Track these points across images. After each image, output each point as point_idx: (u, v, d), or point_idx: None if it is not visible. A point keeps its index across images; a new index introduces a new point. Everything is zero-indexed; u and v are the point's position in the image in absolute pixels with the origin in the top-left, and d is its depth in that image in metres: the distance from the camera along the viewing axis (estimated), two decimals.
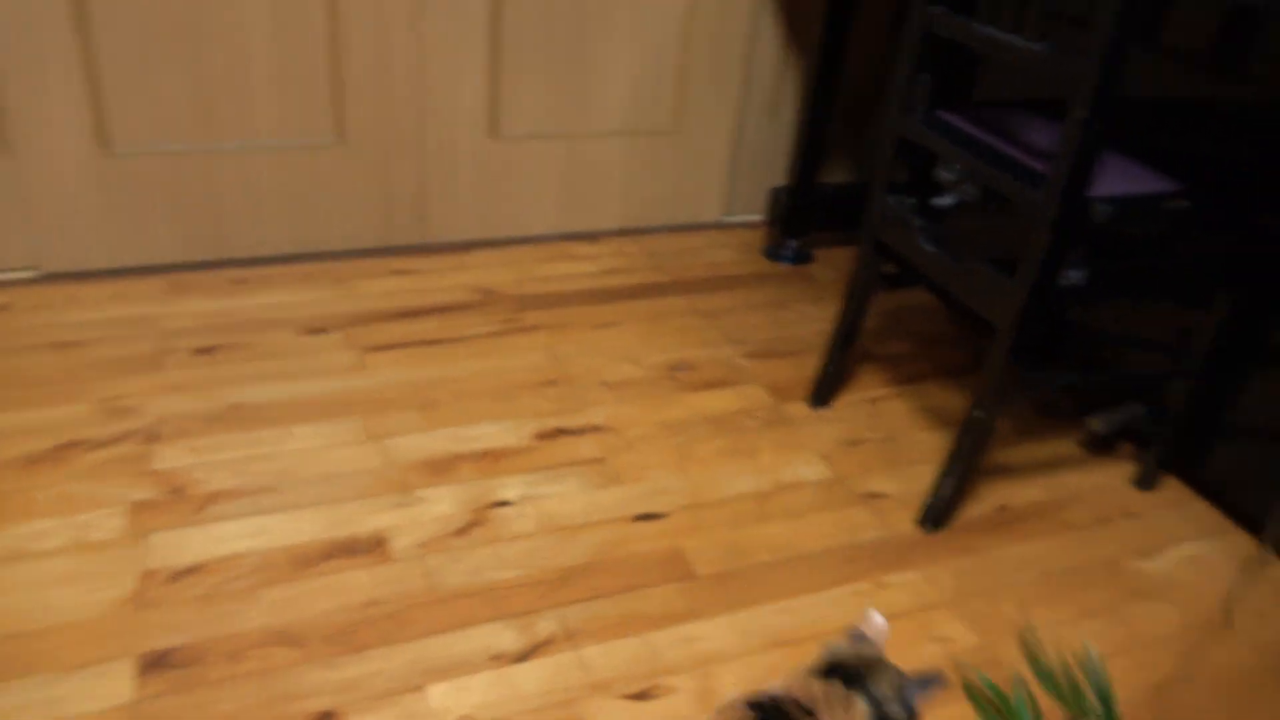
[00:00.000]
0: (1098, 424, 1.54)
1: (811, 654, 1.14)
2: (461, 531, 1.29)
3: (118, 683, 1.04)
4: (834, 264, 2.16)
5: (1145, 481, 1.50)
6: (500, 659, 1.11)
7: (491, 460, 1.43)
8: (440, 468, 1.41)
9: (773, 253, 2.17)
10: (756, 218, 2.31)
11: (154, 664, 1.06)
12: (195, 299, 1.79)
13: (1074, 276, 1.20)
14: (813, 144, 2.07)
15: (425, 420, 1.51)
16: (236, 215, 1.88)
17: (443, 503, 1.34)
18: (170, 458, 1.38)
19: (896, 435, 1.58)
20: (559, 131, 2.05)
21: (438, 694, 1.06)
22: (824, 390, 1.64)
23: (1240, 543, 1.40)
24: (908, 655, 1.17)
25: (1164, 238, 1.28)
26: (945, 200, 1.43)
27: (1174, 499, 1.48)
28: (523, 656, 1.11)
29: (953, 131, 1.31)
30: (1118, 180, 1.21)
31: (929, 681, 0.88)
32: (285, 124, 1.84)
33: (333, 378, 1.59)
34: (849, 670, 0.86)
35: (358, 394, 1.56)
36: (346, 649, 1.10)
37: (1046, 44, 1.11)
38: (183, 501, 1.29)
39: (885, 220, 1.42)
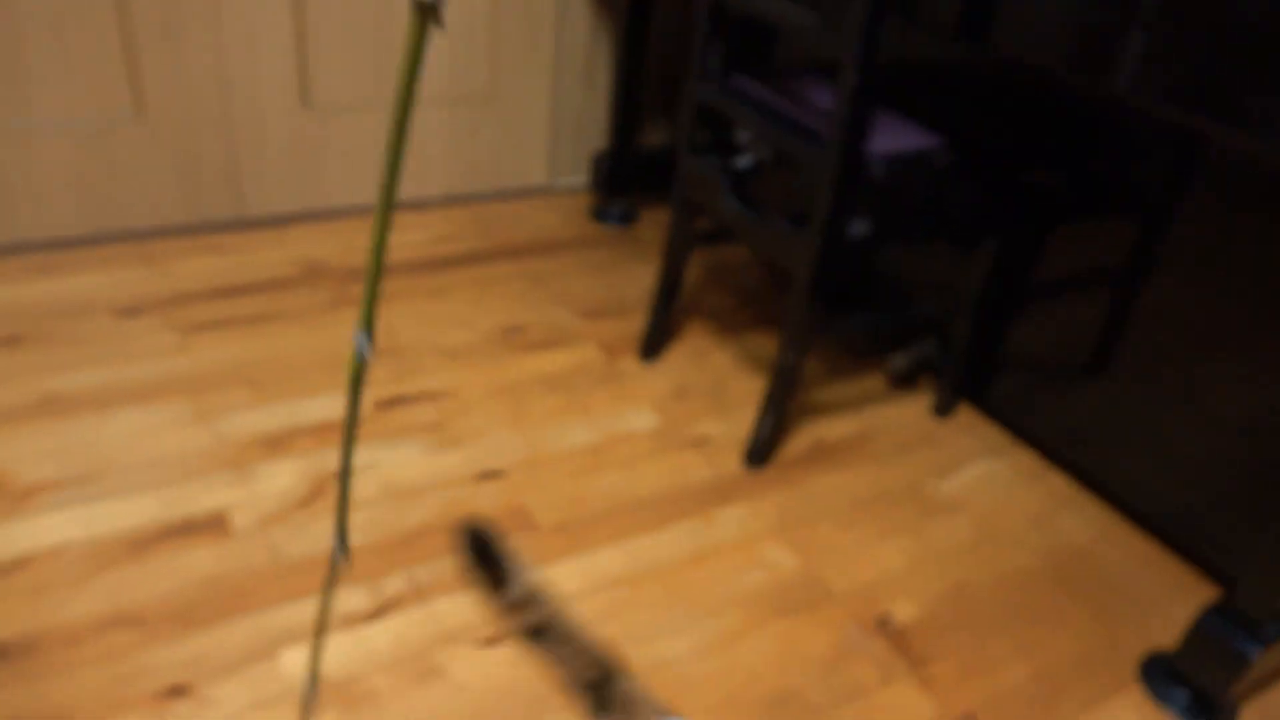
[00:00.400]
0: (898, 360, 1.70)
1: (645, 591, 1.23)
2: (303, 503, 1.30)
3: None
4: (658, 224, 2.25)
5: (941, 409, 1.67)
6: (351, 619, 1.13)
7: (328, 432, 1.44)
8: (276, 443, 1.40)
9: (599, 215, 2.24)
10: (581, 181, 2.37)
11: None
12: None
13: (859, 227, 1.32)
14: (628, 108, 2.14)
15: (256, 397, 1.49)
16: (29, 198, 1.77)
17: (282, 477, 1.34)
18: None
19: (722, 383, 1.69)
20: (374, 99, 2.02)
21: (290, 659, 1.08)
22: (652, 344, 1.72)
23: (1023, 458, 1.58)
24: (739, 586, 1.27)
25: (934, 189, 1.42)
26: (744, 161, 1.53)
27: (967, 424, 1.66)
28: (374, 615, 1.14)
29: (746, 96, 1.41)
30: (891, 138, 1.33)
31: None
32: (76, 102, 1.74)
33: (153, 360, 1.54)
34: None
35: (181, 375, 1.52)
36: (191, 624, 1.10)
37: (817, 15, 1.22)
38: (0, 496, 1.24)
39: (693, 181, 1.51)
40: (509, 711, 1.05)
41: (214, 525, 1.24)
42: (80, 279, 1.73)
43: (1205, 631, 1.12)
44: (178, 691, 1.03)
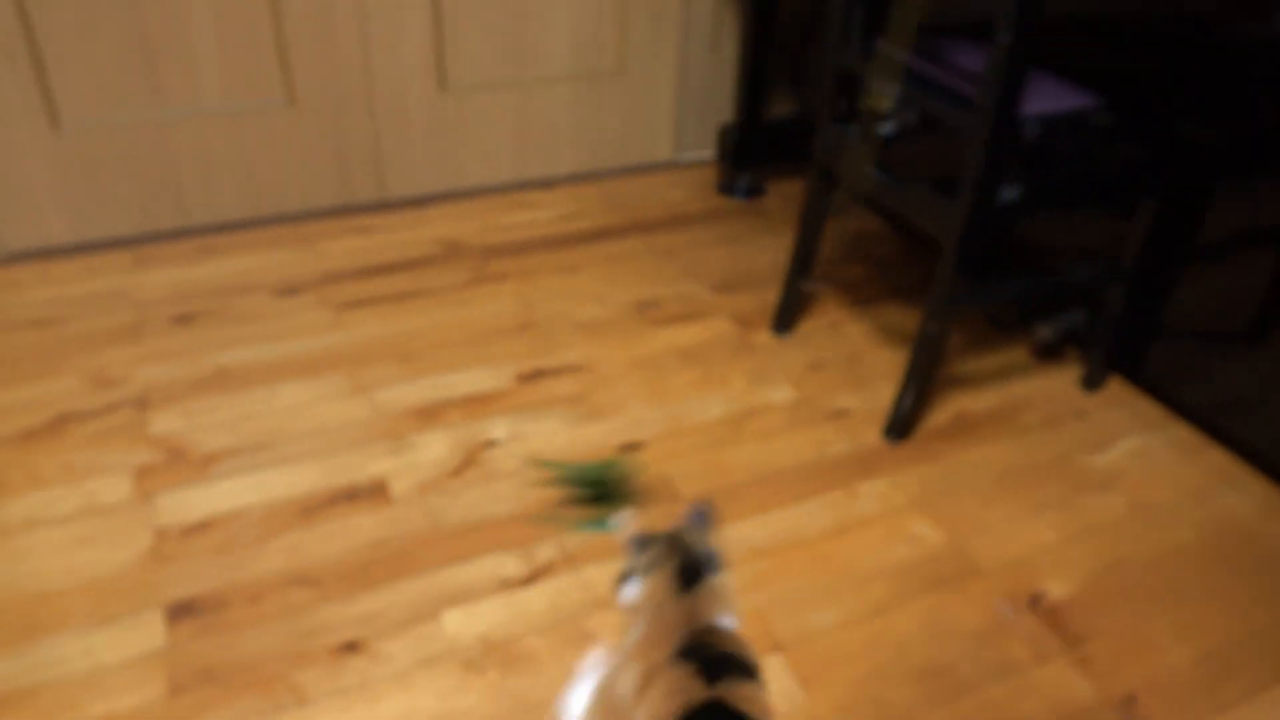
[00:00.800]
0: (1044, 331, 1.65)
1: (789, 562, 1.24)
2: (456, 472, 1.36)
3: (148, 631, 1.09)
4: (785, 195, 2.23)
5: (1091, 382, 1.61)
6: (507, 584, 1.18)
7: (477, 404, 1.49)
8: (428, 414, 1.46)
9: (726, 188, 2.23)
10: (708, 155, 2.37)
11: (180, 612, 1.12)
12: (164, 269, 1.80)
13: (1010, 192, 1.28)
14: (755, 79, 2.12)
15: (408, 370, 1.56)
16: (194, 183, 1.89)
17: (435, 447, 1.40)
18: (164, 423, 1.42)
19: (858, 355, 1.67)
20: (507, 80, 2.07)
21: (452, 619, 1.13)
22: (786, 317, 1.71)
23: (1180, 432, 1.52)
24: (884, 559, 1.26)
25: (1090, 151, 1.36)
26: (887, 127, 1.50)
27: (1118, 397, 1.59)
28: (528, 581, 1.19)
29: (888, 60, 1.38)
30: (1045, 98, 1.28)
31: (702, 515, 0.90)
32: (233, 88, 1.84)
33: (311, 336, 1.63)
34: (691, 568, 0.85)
35: (338, 350, 1.60)
36: (361, 585, 1.17)
37: None
38: (182, 463, 1.34)
39: (832, 149, 1.49)
40: None
41: (375, 492, 1.31)
42: (241, 260, 1.84)
43: None
44: (351, 648, 1.09)
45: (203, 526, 1.24)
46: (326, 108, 1.92)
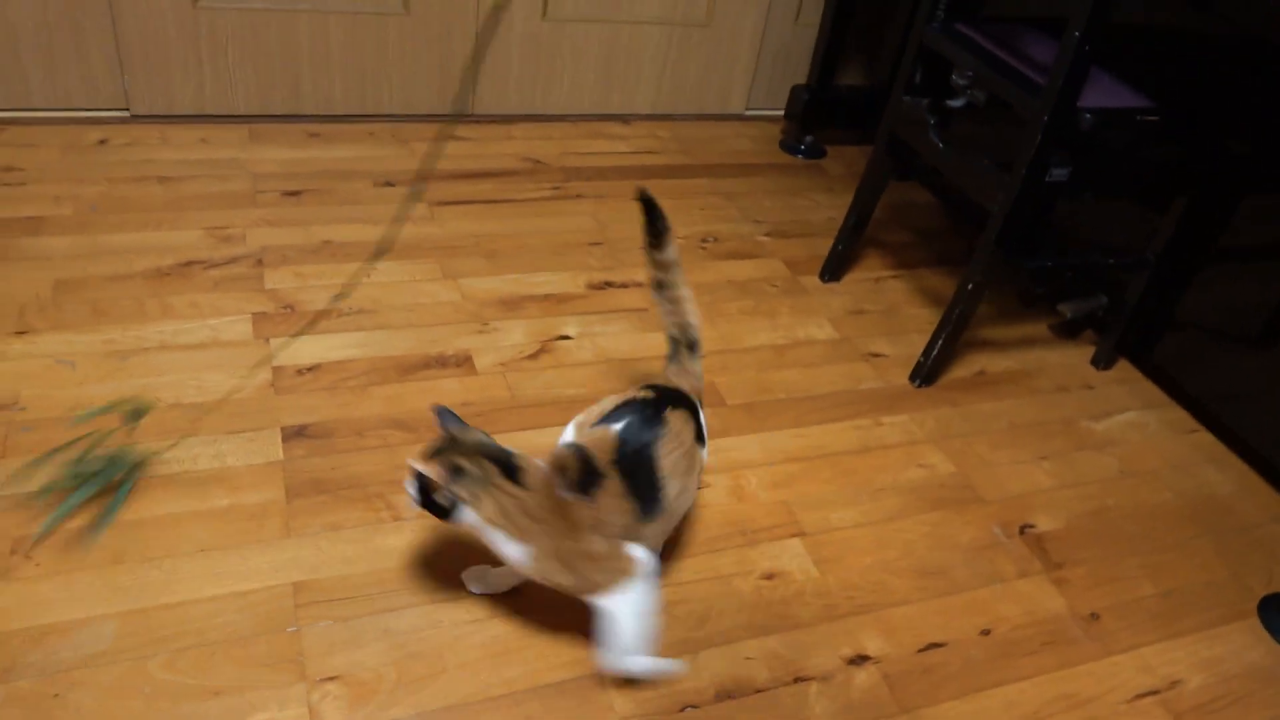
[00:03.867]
0: (1067, 310, 1.80)
1: (817, 469, 1.41)
2: (533, 356, 1.53)
3: (268, 445, 1.28)
4: (844, 160, 2.37)
5: (1102, 361, 1.77)
6: None
7: (553, 303, 1.66)
8: (510, 305, 1.64)
9: (790, 146, 2.38)
10: (776, 112, 2.51)
11: (295, 434, 1.30)
12: (276, 148, 1.97)
13: (1058, 174, 1.43)
14: (832, 47, 2.26)
15: (492, 266, 1.73)
16: (309, 72, 2.05)
17: (515, 333, 1.58)
18: (278, 280, 1.59)
19: (895, 309, 1.83)
20: (603, 15, 2.21)
21: None
22: (834, 267, 1.88)
23: (1175, 414, 1.68)
24: (899, 478, 1.44)
25: (1135, 146, 1.51)
26: (957, 102, 1.64)
27: (1125, 377, 1.75)
28: None
29: (967, 42, 1.52)
30: (1101, 94, 1.43)
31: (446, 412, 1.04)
32: None
33: (407, 224, 1.80)
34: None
35: (430, 240, 1.77)
36: None
37: None
38: (295, 316, 1.52)
39: (902, 116, 1.64)
40: (698, 538, 1.26)
41: (463, 362, 1.49)
42: (346, 149, 2.01)
43: None
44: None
45: (314, 369, 1.42)
46: (436, 19, 2.07)
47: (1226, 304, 1.59)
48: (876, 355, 1.69)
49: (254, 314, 1.51)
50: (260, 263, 1.63)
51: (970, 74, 1.50)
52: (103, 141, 1.89)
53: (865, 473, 1.43)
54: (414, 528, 1.21)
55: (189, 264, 1.60)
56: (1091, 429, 1.61)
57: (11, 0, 1.79)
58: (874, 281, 1.90)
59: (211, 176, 1.84)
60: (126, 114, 1.98)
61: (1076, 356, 1.78)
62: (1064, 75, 1.31)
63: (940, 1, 1.54)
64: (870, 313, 1.80)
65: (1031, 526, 1.39)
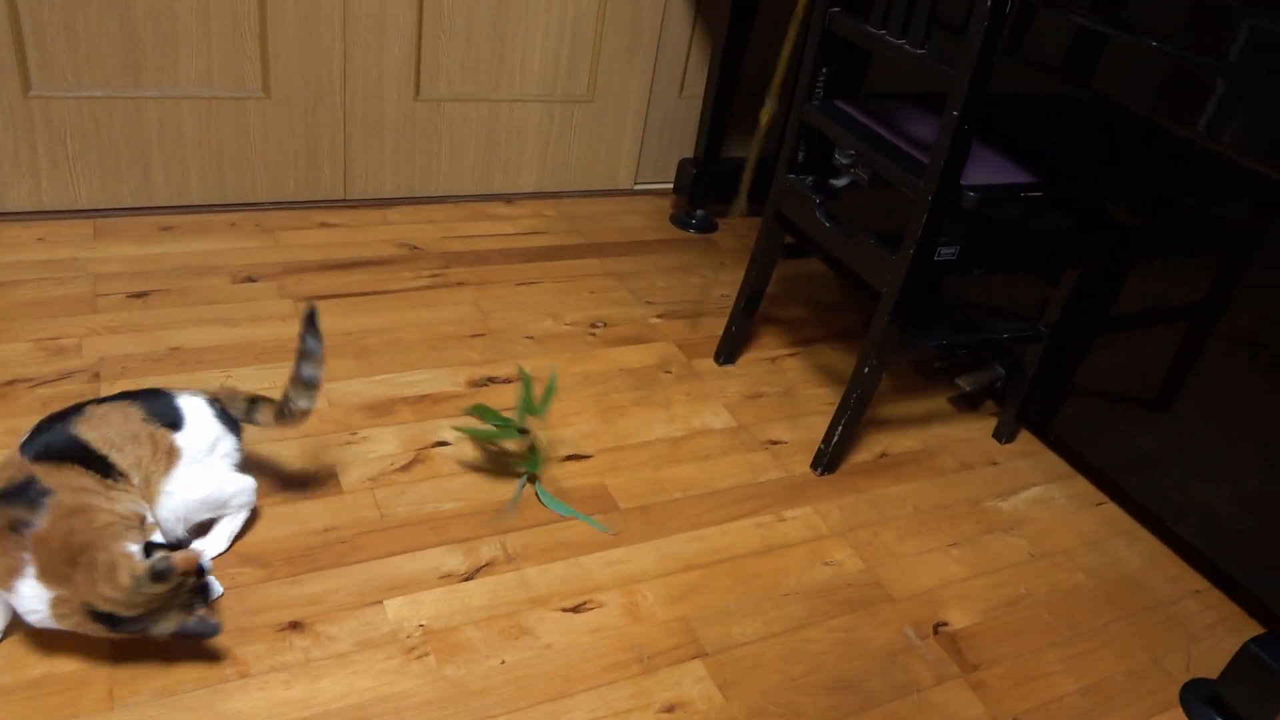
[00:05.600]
0: (965, 383, 1.76)
1: (717, 577, 1.31)
2: (405, 468, 1.40)
3: None
4: (736, 233, 2.33)
5: (1004, 434, 1.73)
6: (449, 578, 1.23)
7: (429, 404, 1.54)
8: (381, 410, 1.51)
9: (680, 220, 2.32)
10: (665, 186, 2.46)
11: None
12: (123, 244, 1.81)
13: (946, 252, 1.39)
14: (717, 120, 2.23)
15: (362, 367, 1.60)
16: (161, 162, 1.90)
17: (386, 442, 1.44)
18: None
19: (793, 390, 1.76)
20: (480, 95, 2.13)
21: (395, 606, 1.18)
22: (729, 349, 1.80)
23: (1081, 486, 1.64)
24: (804, 580, 1.35)
25: (1021, 220, 1.49)
26: (840, 181, 1.61)
27: (1028, 450, 1.72)
28: (469, 575, 1.24)
29: (848, 120, 1.49)
30: (984, 171, 1.40)
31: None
32: (212, 75, 1.87)
33: (268, 324, 1.66)
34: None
35: (294, 341, 1.63)
36: (307, 568, 1.21)
37: (928, 49, 1.29)
38: None
39: (787, 195, 1.59)
40: (589, 670, 1.14)
41: (327, 481, 1.35)
42: (202, 243, 1.86)
43: (1249, 661, 1.18)
44: (295, 627, 1.13)
45: None
46: (301, 103, 1.96)
47: (1121, 372, 1.57)
48: (775, 443, 1.61)
49: None
50: (96, 376, 1.47)
51: (852, 153, 1.46)
52: None
53: (769, 576, 1.34)
54: (264, 683, 1.06)
55: (11, 383, 1.42)
56: (999, 509, 1.56)
57: None
58: (770, 361, 1.84)
59: (47, 280, 1.67)
60: None
61: (979, 430, 1.74)
62: (946, 154, 1.27)
63: (819, 78, 1.50)
64: (768, 396, 1.73)
65: (945, 625, 1.31)
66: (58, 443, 1.06)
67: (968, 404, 1.81)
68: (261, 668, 1.08)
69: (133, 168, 1.88)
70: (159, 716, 1.01)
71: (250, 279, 1.78)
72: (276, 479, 1.34)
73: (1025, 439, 1.74)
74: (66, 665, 1.04)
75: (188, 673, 1.06)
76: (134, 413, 1.12)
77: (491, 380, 1.63)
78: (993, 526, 1.52)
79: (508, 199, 2.27)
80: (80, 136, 1.81)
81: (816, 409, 1.72)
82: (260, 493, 1.31)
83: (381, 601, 1.18)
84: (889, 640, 1.27)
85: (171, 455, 1.12)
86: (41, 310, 1.59)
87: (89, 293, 1.66)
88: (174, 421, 1.14)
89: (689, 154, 2.40)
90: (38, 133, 1.78)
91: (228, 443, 1.18)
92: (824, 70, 1.50)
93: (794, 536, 1.42)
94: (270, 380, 1.53)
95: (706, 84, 2.21)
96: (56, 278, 1.68)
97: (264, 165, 1.99)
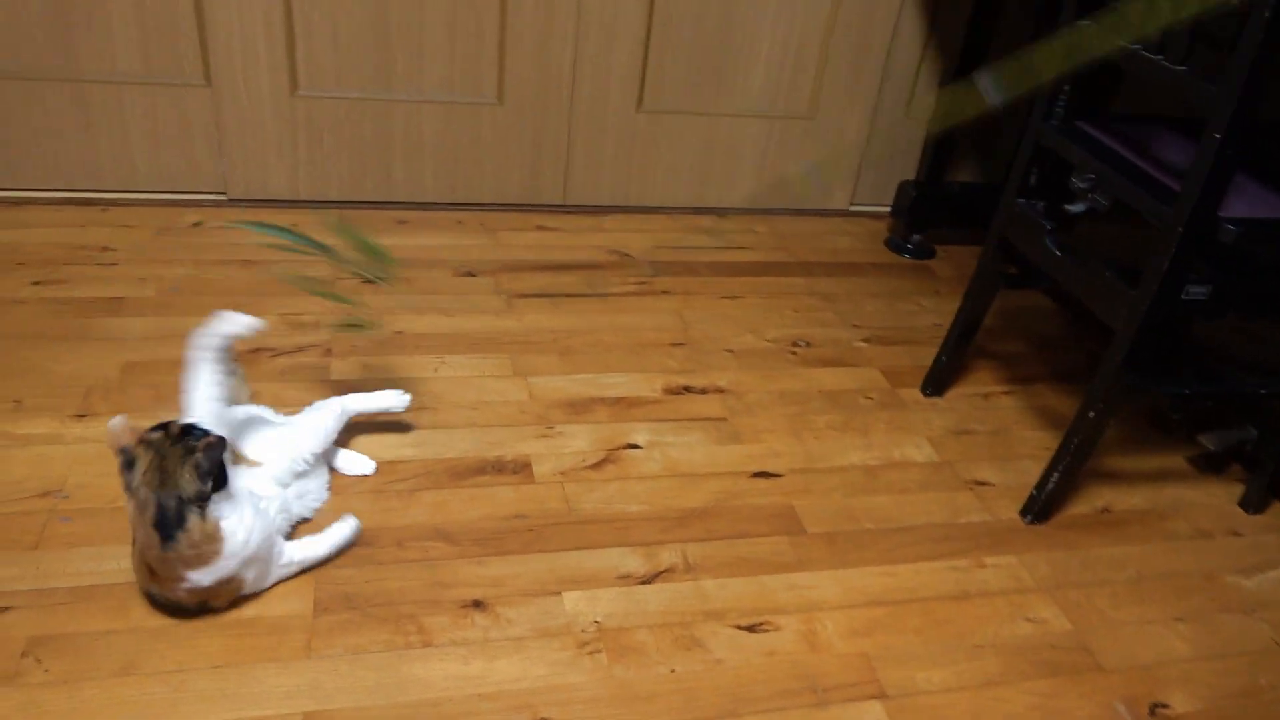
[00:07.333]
0: (1209, 442, 1.58)
1: (905, 616, 1.24)
2: (596, 466, 1.42)
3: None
4: (954, 261, 2.21)
5: (1252, 504, 1.53)
6: (628, 578, 1.23)
7: (624, 407, 1.56)
8: (578, 408, 1.54)
9: (895, 244, 2.24)
10: (882, 208, 2.38)
11: None
12: (363, 234, 1.95)
13: (1196, 291, 1.25)
14: (944, 141, 2.13)
15: (565, 364, 1.64)
16: (401, 161, 2.04)
17: (580, 439, 1.47)
18: (343, 370, 1.54)
19: (1005, 430, 1.65)
20: (700, 109, 2.15)
21: (572, 599, 1.19)
22: (937, 380, 1.71)
23: None
24: (1002, 633, 1.25)
25: None
26: (1076, 208, 1.48)
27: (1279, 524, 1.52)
28: (647, 579, 1.24)
29: (1090, 141, 1.37)
30: (1246, 202, 1.25)
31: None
32: (453, 80, 1.98)
33: (483, 317, 1.74)
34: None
35: (505, 334, 1.70)
36: (494, 551, 1.24)
37: (1188, 66, 1.17)
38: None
39: (1014, 221, 1.49)
40: (759, 693, 1.11)
41: (521, 469, 1.39)
42: (431, 237, 1.98)
43: None
44: (478, 605, 1.17)
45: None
46: (530, 110, 2.05)
47: None
48: (981, 484, 1.51)
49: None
50: (329, 352, 1.59)
51: (1092, 177, 1.35)
52: (197, 224, 1.91)
53: (962, 624, 1.25)
54: (445, 655, 1.10)
55: (257, 351, 1.56)
56: (1239, 586, 1.38)
57: (122, 90, 1.84)
58: (982, 398, 1.72)
59: (295, 261, 1.82)
60: (223, 197, 2.00)
61: (1221, 496, 1.55)
62: (1203, 182, 1.14)
63: (1059, 96, 1.40)
64: (976, 433, 1.63)
65: (1164, 707, 1.17)
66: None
67: (1210, 466, 1.62)
68: (444, 640, 1.11)
69: (377, 164, 2.03)
70: (346, 671, 1.07)
71: (470, 274, 1.87)
72: (476, 462, 1.39)
73: (1277, 512, 1.54)
74: (276, 610, 1.12)
75: (377, 634, 1.11)
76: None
77: (688, 389, 1.63)
78: (1230, 605, 1.34)
79: (719, 213, 2.27)
80: (335, 133, 1.97)
81: (1030, 452, 1.59)
82: (460, 473, 1.37)
83: (560, 593, 1.20)
84: (1095, 714, 1.15)
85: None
86: (288, 289, 1.74)
87: (330, 276, 1.79)
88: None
89: (910, 176, 2.30)
90: (300, 128, 1.95)
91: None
92: (1065, 88, 1.39)
93: (994, 585, 1.32)
94: (476, 368, 1.59)
95: (935, 105, 2.12)
96: (304, 260, 1.83)
97: (492, 168, 2.10)
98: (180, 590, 1.06)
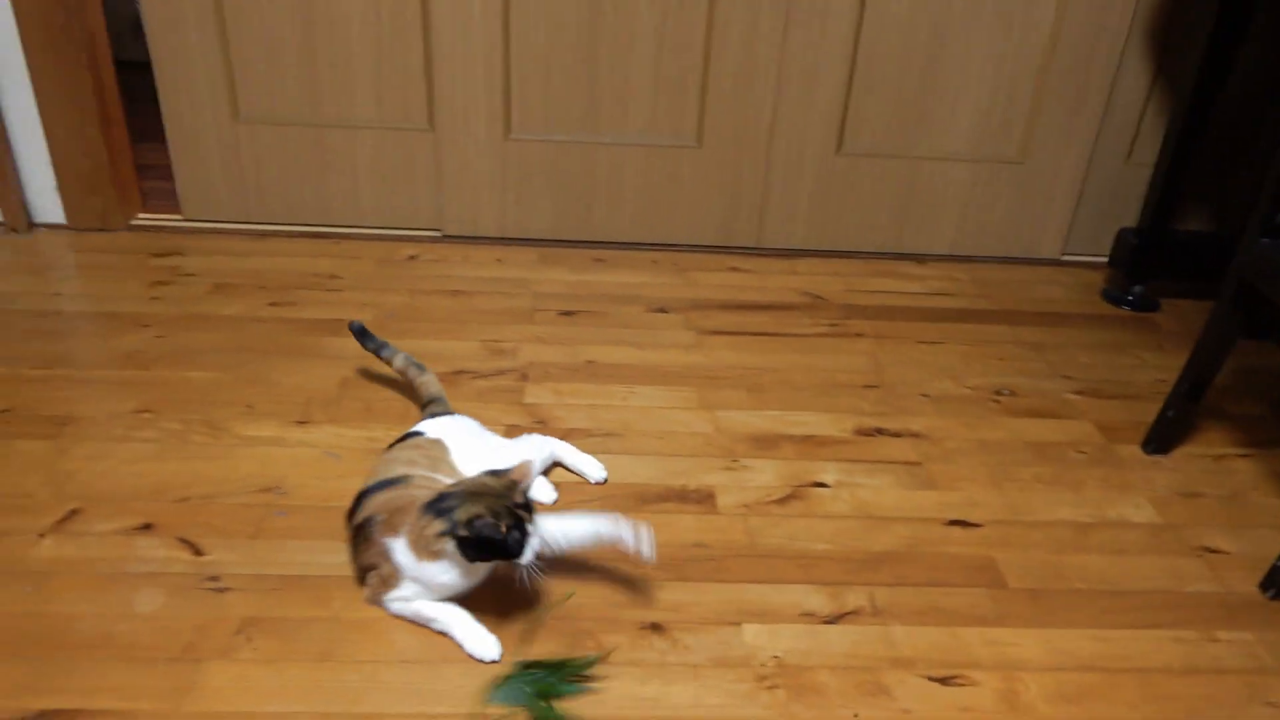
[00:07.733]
0: None
1: (1120, 687, 1.12)
2: (781, 501, 1.38)
3: None
4: (1180, 315, 2.04)
5: None
6: (810, 616, 1.19)
7: (812, 445, 1.52)
8: (765, 443, 1.51)
9: (1113, 296, 2.09)
10: (1097, 258, 2.23)
11: None
12: (561, 270, 2.03)
13: None
14: (1170, 187, 1.98)
15: (753, 400, 1.62)
16: (604, 201, 2.11)
17: (765, 473, 1.44)
18: (537, 395, 1.59)
19: (1240, 495, 1.48)
20: (901, 151, 2.10)
21: (752, 632, 1.15)
22: (1162, 437, 1.56)
23: None
24: (1236, 715, 1.10)
25: None
26: None
27: None
28: (831, 619, 1.18)
29: None
30: None
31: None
32: (655, 124, 2.04)
33: (673, 351, 1.75)
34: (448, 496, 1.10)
35: (694, 368, 1.70)
36: (675, 577, 1.23)
37: None
38: (546, 431, 1.49)
39: (1258, 262, 1.35)
40: None
41: (704, 499, 1.38)
42: (626, 275, 2.03)
43: None
44: (656, 628, 1.15)
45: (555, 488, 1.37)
46: (729, 154, 2.07)
47: None
48: (1212, 551, 1.36)
49: (508, 426, 1.50)
50: (525, 377, 1.64)
51: None
52: (412, 257, 2.05)
53: (1189, 702, 1.11)
54: (620, 673, 1.09)
55: (459, 373, 1.64)
56: None
57: (356, 134, 2.02)
58: (1214, 459, 1.56)
59: (498, 293, 1.92)
60: (438, 234, 2.14)
61: None
62: None
63: None
64: (1207, 497, 1.47)
65: None
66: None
67: None
68: (620, 659, 1.11)
69: (578, 205, 2.11)
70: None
71: (662, 310, 1.90)
72: (661, 490, 1.39)
73: None
74: (485, 615, 1.16)
75: (554, 646, 1.12)
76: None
77: (880, 431, 1.57)
78: None
79: (919, 259, 2.20)
80: (542, 175, 2.07)
81: (1271, 522, 1.42)
82: (644, 498, 1.37)
83: (740, 624, 1.17)
84: None
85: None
86: (489, 318, 1.82)
87: (528, 308, 1.87)
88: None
89: (1130, 224, 2.15)
90: (510, 169, 2.06)
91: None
92: None
93: (1228, 663, 1.17)
94: (664, 400, 1.60)
95: (1162, 146, 1.97)
96: (505, 293, 1.92)
97: (688, 210, 2.13)
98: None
